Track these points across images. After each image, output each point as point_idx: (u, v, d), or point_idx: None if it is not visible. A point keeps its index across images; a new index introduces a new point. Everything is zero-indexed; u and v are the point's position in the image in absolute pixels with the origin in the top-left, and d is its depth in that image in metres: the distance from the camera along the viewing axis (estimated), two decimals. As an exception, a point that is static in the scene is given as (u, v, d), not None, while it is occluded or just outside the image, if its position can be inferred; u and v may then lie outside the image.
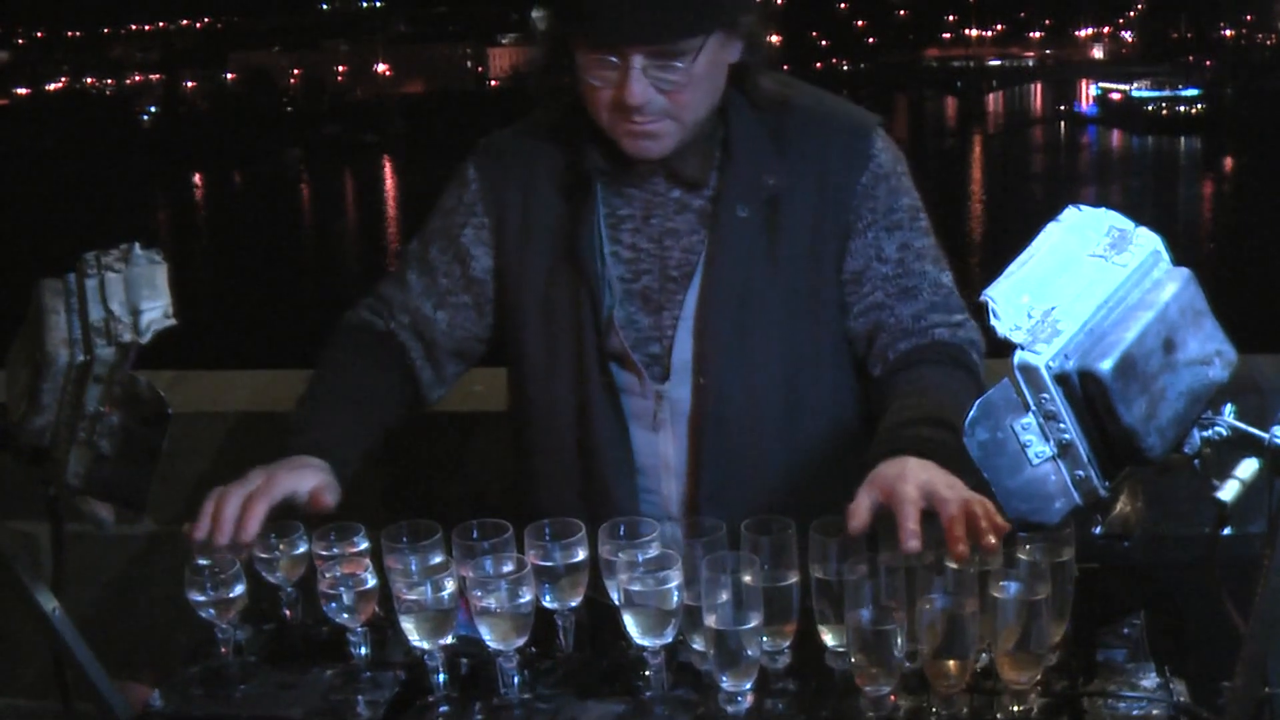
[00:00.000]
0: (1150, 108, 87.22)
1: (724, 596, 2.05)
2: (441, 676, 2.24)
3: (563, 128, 2.66)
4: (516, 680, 2.22)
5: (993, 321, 1.56)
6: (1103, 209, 1.67)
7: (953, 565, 2.15)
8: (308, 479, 2.41)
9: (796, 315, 2.59)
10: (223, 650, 2.38)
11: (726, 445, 2.59)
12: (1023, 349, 1.55)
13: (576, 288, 2.62)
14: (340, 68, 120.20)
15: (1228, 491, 1.61)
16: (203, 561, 2.34)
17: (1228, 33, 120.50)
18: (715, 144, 2.59)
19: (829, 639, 2.18)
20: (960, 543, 2.06)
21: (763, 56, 2.58)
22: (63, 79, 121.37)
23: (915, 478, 2.17)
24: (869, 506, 2.17)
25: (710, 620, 2.05)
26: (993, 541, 2.06)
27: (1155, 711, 2.08)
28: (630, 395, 2.63)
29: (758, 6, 2.54)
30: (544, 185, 2.67)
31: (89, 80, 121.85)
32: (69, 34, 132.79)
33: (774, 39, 2.67)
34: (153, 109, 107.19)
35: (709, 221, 2.59)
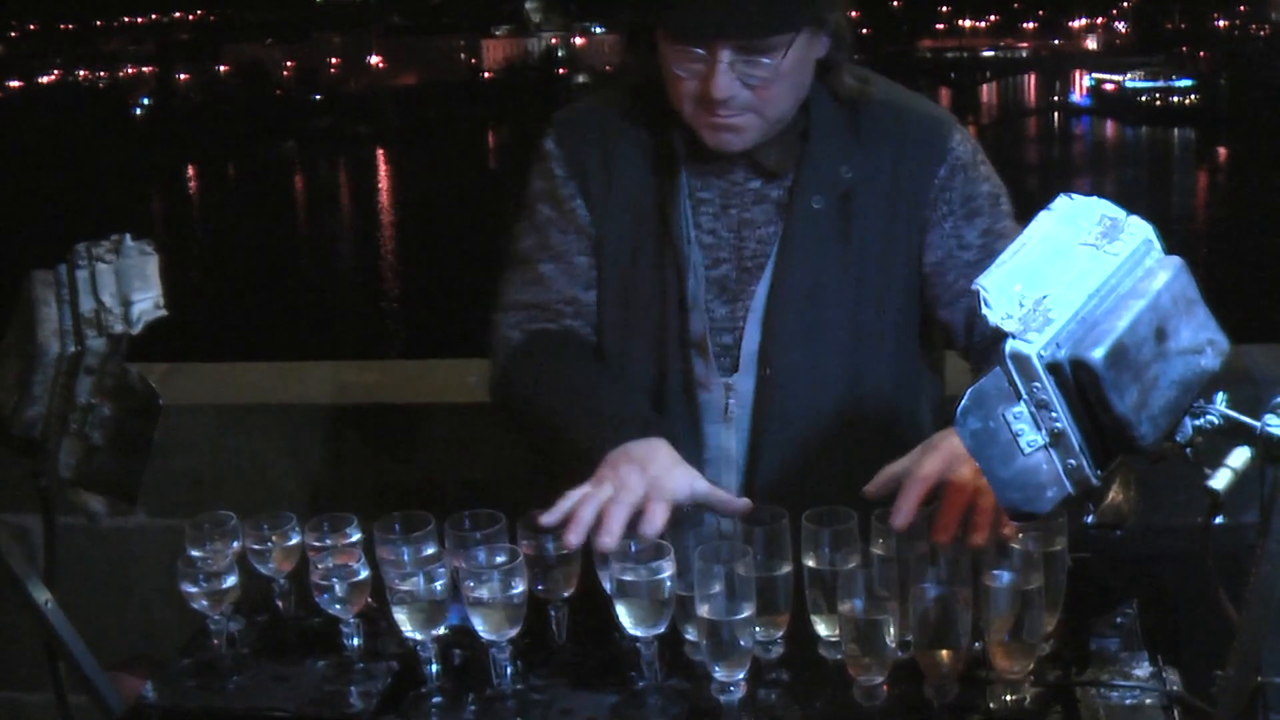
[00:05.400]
0: (1144, 98, 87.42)
1: (717, 587, 2.05)
2: (434, 667, 2.24)
3: (641, 108, 2.63)
4: (509, 671, 2.22)
5: (984, 310, 1.56)
6: (1094, 198, 1.67)
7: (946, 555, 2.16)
8: (683, 476, 2.37)
9: (865, 308, 2.57)
10: (215, 642, 2.37)
11: (787, 438, 2.57)
12: (1014, 338, 1.55)
13: (664, 269, 2.58)
14: (333, 60, 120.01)
15: (1220, 480, 1.61)
16: (195, 552, 2.34)
17: (1221, 23, 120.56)
18: (796, 136, 2.56)
19: (822, 629, 2.18)
20: (943, 532, 2.10)
21: (848, 52, 2.56)
22: (56, 72, 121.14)
23: (943, 455, 2.19)
24: (898, 474, 2.23)
25: (703, 610, 2.05)
26: (978, 540, 2.09)
27: (1148, 700, 2.09)
28: (700, 386, 2.61)
29: (844, 2, 2.52)
30: (624, 162, 2.63)
31: (82, 73, 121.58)
32: (62, 27, 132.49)
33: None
34: (146, 101, 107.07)
35: (784, 213, 2.57)
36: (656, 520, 2.25)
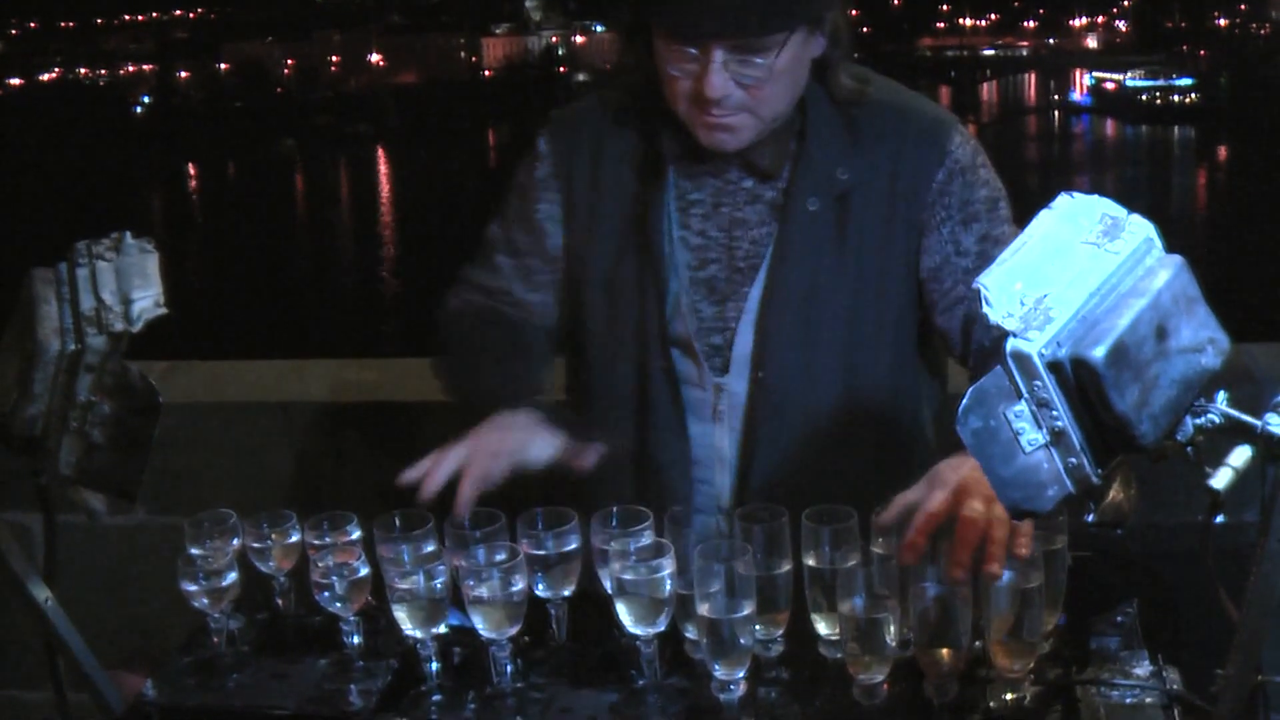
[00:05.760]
0: (1144, 97, 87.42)
1: (717, 585, 2.05)
2: (434, 665, 2.24)
3: (636, 108, 2.63)
4: (509, 669, 2.22)
5: (985, 309, 1.56)
6: (1095, 196, 1.67)
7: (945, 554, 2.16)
8: (538, 441, 2.46)
9: (861, 312, 2.56)
10: (215, 640, 2.38)
11: (781, 439, 2.57)
12: (1015, 336, 1.55)
13: (643, 270, 2.59)
14: (334, 58, 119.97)
15: (1221, 479, 1.61)
16: (195, 550, 2.34)
17: (1222, 22, 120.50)
18: (791, 136, 2.56)
19: (822, 627, 2.18)
20: (959, 569, 2.06)
21: (845, 51, 2.54)
22: (56, 70, 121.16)
23: (952, 489, 2.16)
24: (908, 505, 2.20)
25: (703, 609, 2.05)
26: (995, 570, 2.05)
27: (1148, 699, 2.09)
28: (689, 385, 2.61)
29: (841, 1, 2.50)
30: (615, 163, 2.64)
31: (82, 71, 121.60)
32: (62, 25, 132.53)
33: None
34: (146, 99, 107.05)
35: (779, 214, 2.56)
36: (491, 473, 2.38)
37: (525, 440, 2.45)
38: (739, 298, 2.58)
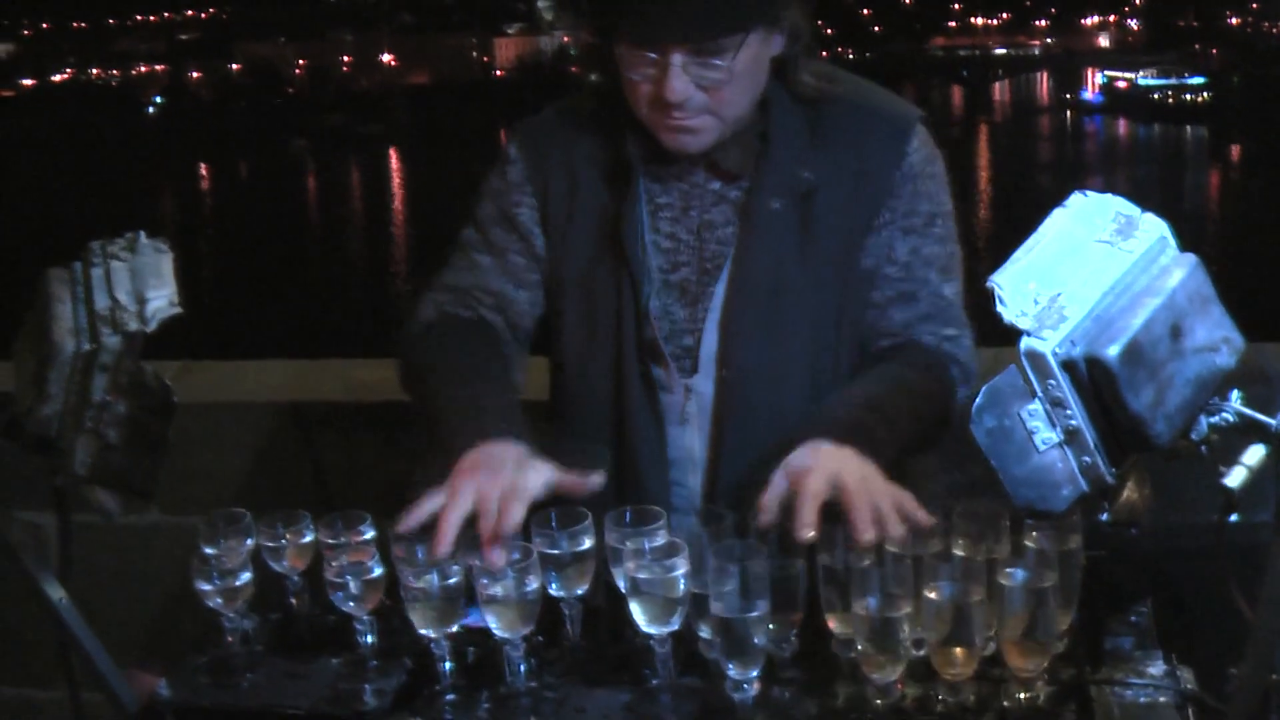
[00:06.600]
0: (1156, 96, 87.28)
1: (731, 584, 2.05)
2: (448, 665, 2.24)
3: (603, 114, 2.64)
4: (523, 669, 2.22)
5: (999, 308, 1.56)
6: (1109, 195, 1.67)
7: (960, 553, 2.16)
8: (535, 474, 2.31)
9: (825, 309, 2.56)
10: (229, 639, 2.38)
11: (748, 439, 2.57)
12: (1029, 335, 1.55)
13: (619, 275, 2.59)
14: (345, 58, 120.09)
15: (1235, 478, 1.61)
16: (209, 550, 2.35)
17: (1234, 21, 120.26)
18: (755, 136, 2.56)
19: (836, 627, 2.18)
20: (866, 530, 2.10)
21: (804, 48, 2.54)
22: (68, 70, 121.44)
23: (825, 468, 2.18)
24: (778, 498, 2.20)
25: (717, 608, 2.05)
26: (919, 518, 2.11)
27: (1162, 699, 2.08)
28: (662, 388, 2.61)
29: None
30: (586, 170, 2.65)
31: (94, 71, 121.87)
32: (74, 25, 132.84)
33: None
34: (158, 100, 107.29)
35: (742, 214, 2.57)
36: (515, 518, 2.21)
37: (522, 477, 2.29)
38: (706, 298, 2.58)
